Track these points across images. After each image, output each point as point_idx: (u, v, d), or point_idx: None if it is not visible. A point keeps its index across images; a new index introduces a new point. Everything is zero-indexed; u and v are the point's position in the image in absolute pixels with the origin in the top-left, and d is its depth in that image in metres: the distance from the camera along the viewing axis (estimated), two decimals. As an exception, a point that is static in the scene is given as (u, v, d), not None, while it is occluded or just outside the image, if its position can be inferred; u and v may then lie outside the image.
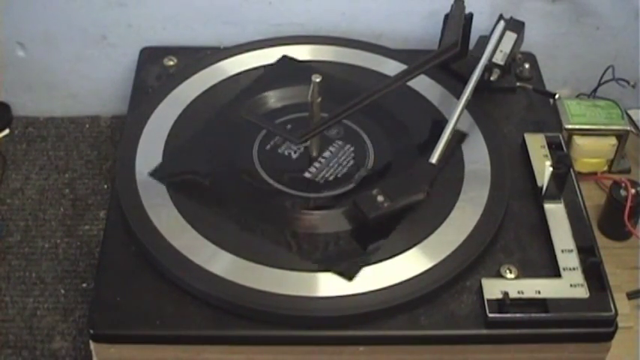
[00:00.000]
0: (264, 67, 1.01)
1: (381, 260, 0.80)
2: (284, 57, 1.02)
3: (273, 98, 0.98)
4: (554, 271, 0.81)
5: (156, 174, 0.88)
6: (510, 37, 0.99)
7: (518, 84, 1.00)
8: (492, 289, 0.79)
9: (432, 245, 0.82)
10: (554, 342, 0.79)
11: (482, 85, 0.96)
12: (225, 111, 0.95)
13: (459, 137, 0.91)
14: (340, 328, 0.77)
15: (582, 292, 0.79)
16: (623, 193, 0.95)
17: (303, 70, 0.98)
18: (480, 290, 0.79)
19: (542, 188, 0.87)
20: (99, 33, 1.09)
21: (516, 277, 0.80)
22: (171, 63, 1.03)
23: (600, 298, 0.79)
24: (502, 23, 1.00)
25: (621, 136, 1.02)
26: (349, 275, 0.79)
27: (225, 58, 1.02)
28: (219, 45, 1.07)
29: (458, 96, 0.92)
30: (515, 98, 1.00)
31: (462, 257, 0.81)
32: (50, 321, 0.94)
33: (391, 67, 1.00)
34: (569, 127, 1.02)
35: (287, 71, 1.00)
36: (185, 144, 0.91)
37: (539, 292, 0.79)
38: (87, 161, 1.11)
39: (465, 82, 0.93)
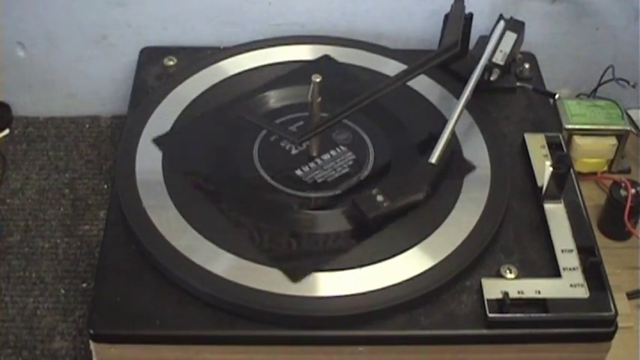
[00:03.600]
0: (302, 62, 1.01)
1: (381, 260, 0.80)
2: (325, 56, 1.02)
3: (273, 98, 0.98)
4: (554, 271, 0.81)
5: (159, 141, 0.89)
6: (510, 37, 0.99)
7: (518, 84, 1.00)
8: (492, 289, 0.79)
9: (432, 245, 0.82)
10: (554, 342, 0.79)
11: (482, 85, 0.96)
12: (226, 110, 0.95)
13: (467, 167, 0.89)
14: (340, 328, 0.77)
15: (582, 292, 0.79)
16: (623, 193, 0.95)
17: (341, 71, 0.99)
18: (480, 290, 0.79)
19: (542, 188, 0.87)
20: (99, 33, 1.09)
21: (516, 277, 0.80)
22: (171, 63, 1.03)
23: (600, 298, 0.79)
24: (502, 23, 1.00)
25: (621, 136, 1.02)
26: (294, 277, 0.79)
27: (225, 58, 1.02)
28: (219, 45, 1.07)
29: (458, 96, 0.92)
30: (515, 98, 1.00)
31: (462, 257, 0.81)
32: (50, 321, 0.94)
33: (391, 67, 1.00)
34: (569, 127, 1.02)
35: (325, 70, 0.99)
36: (195, 122, 0.92)
37: (539, 292, 0.79)
38: (87, 161, 1.11)
39: (465, 82, 0.93)
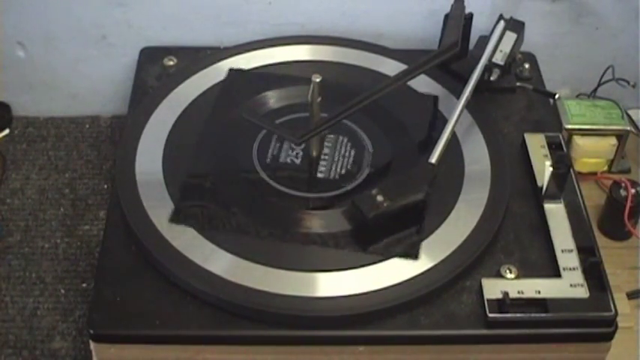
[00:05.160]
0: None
1: (380, 260, 0.80)
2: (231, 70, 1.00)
3: (274, 98, 0.98)
4: (554, 271, 0.81)
5: (176, 219, 0.83)
6: (510, 37, 0.99)
7: (518, 84, 1.00)
8: (492, 289, 0.79)
9: (432, 245, 0.82)
10: (554, 342, 0.79)
11: (482, 85, 0.96)
12: (225, 110, 0.95)
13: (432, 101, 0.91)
14: (340, 328, 0.77)
15: (582, 292, 0.79)
16: (623, 193, 0.95)
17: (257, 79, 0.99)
18: (480, 290, 0.79)
19: (542, 188, 0.87)
20: (99, 33, 1.09)
21: (516, 277, 0.80)
22: (171, 63, 1.03)
23: (600, 298, 0.79)
24: (502, 23, 1.00)
25: (621, 136, 1.02)
26: (414, 255, 0.80)
27: (225, 58, 1.02)
28: (219, 45, 1.07)
29: (458, 96, 0.92)
30: (515, 98, 1.00)
31: (462, 257, 0.81)
32: (50, 321, 0.94)
33: (391, 67, 1.00)
34: (569, 127, 1.02)
35: (240, 84, 0.99)
36: (187, 181, 0.88)
37: (539, 292, 0.79)
38: (87, 161, 1.11)
39: (465, 82, 0.93)
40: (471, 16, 0.97)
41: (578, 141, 1.02)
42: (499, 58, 0.97)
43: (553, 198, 0.87)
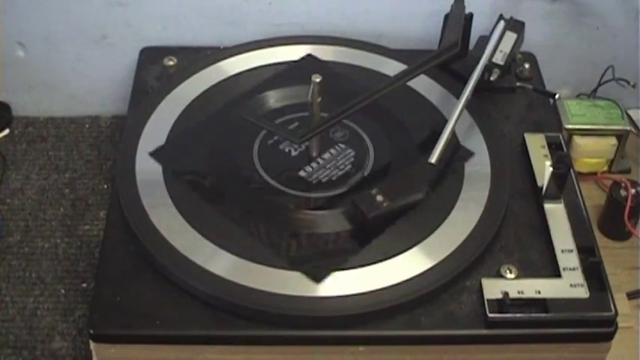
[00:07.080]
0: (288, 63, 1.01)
1: (381, 260, 0.80)
2: (308, 55, 1.02)
3: (274, 98, 0.98)
4: (554, 271, 0.81)
5: (156, 155, 0.89)
6: (510, 37, 0.99)
7: (518, 84, 1.00)
8: (492, 289, 0.79)
9: (432, 245, 0.82)
10: (554, 342, 0.79)
11: (482, 85, 0.96)
12: (226, 110, 0.95)
13: (464, 154, 0.91)
14: (340, 328, 0.77)
15: (582, 292, 0.79)
16: (623, 193, 0.95)
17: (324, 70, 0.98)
18: (480, 290, 0.79)
19: (542, 188, 0.87)
20: (99, 33, 1.10)
21: (516, 277, 0.81)
22: (171, 63, 1.03)
23: (600, 298, 0.79)
24: (502, 23, 1.00)
25: (621, 136, 1.02)
26: (316, 278, 0.79)
27: (225, 58, 1.02)
28: (219, 45, 1.07)
29: (458, 96, 0.92)
30: (515, 98, 1.00)
31: (462, 257, 0.81)
32: (50, 321, 0.94)
33: (391, 67, 1.00)
34: (569, 127, 1.02)
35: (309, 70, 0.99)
36: (190, 130, 0.92)
37: (539, 292, 0.79)
38: (87, 161, 1.11)
39: (465, 82, 0.93)
40: (471, 16, 0.97)
41: (578, 141, 1.02)
42: (499, 58, 0.97)
43: (553, 198, 0.87)
